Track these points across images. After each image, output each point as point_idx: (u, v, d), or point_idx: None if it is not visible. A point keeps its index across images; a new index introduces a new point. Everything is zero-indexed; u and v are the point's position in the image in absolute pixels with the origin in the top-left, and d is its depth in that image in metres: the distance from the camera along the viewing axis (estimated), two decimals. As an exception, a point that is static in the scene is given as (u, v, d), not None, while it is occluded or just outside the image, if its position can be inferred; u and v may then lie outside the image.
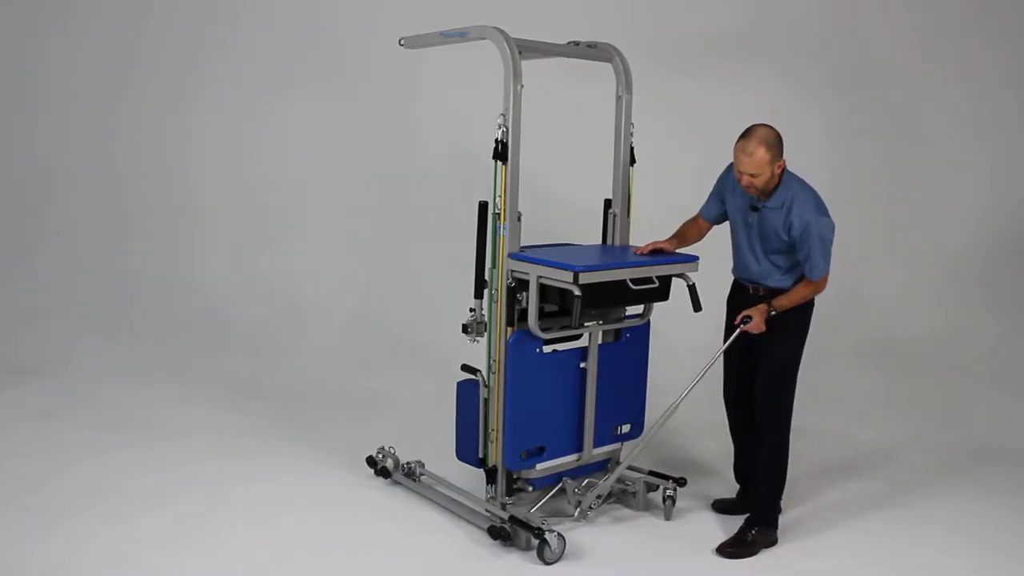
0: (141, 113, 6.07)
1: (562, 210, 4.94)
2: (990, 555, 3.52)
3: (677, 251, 3.61)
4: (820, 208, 3.35)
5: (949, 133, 5.65)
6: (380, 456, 4.00)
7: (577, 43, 3.72)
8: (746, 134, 3.32)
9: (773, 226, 3.37)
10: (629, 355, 3.72)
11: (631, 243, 3.78)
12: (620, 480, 3.75)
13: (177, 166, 6.11)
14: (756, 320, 3.39)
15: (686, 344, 4.57)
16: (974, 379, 5.31)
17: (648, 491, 3.72)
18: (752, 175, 3.29)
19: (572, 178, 4.86)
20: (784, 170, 3.37)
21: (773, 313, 3.39)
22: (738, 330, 3.42)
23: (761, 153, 3.25)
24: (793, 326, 3.47)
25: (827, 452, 4.55)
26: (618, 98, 3.72)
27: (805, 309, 3.51)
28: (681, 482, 3.70)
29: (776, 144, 3.29)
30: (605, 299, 3.43)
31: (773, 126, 3.33)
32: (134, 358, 5.56)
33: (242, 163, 6.06)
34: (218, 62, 6.00)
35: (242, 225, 6.07)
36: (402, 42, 3.80)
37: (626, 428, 3.74)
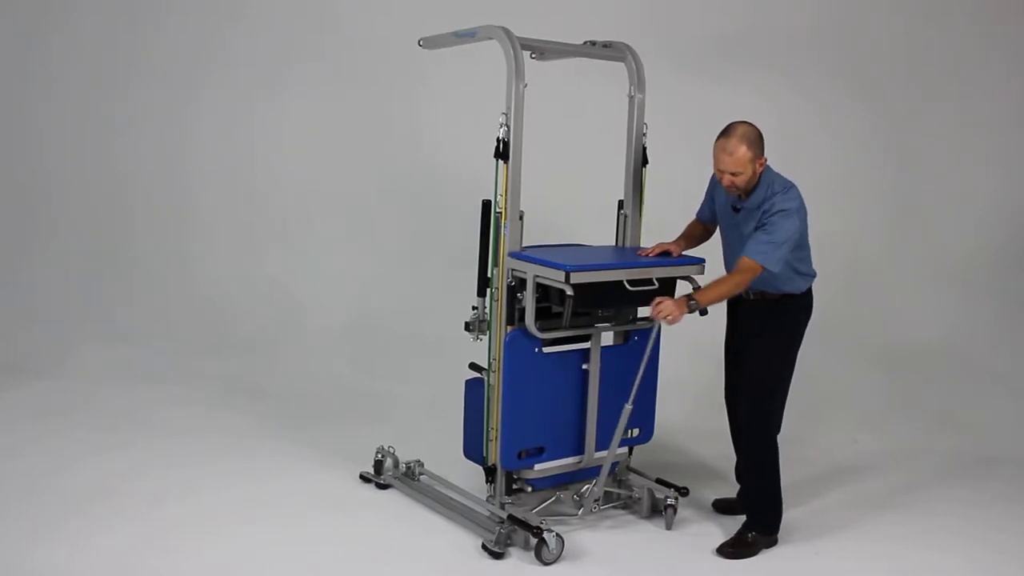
0: (141, 113, 6.07)
1: (580, 210, 4.93)
2: (991, 556, 3.52)
3: (684, 253, 3.59)
4: (800, 208, 3.28)
5: (951, 135, 5.66)
6: (380, 457, 3.99)
7: (593, 43, 3.71)
8: (726, 131, 3.26)
9: (750, 229, 3.33)
10: (637, 358, 3.69)
11: (643, 244, 3.76)
12: (626, 486, 3.75)
13: (177, 166, 6.11)
14: (670, 308, 3.15)
15: (691, 346, 4.57)
16: (976, 381, 5.31)
17: (653, 501, 3.70)
18: (733, 174, 3.24)
19: (591, 178, 4.85)
20: (765, 168, 3.31)
21: (692, 304, 3.17)
22: (656, 324, 3.28)
23: (742, 151, 3.20)
24: (780, 334, 3.43)
25: (828, 454, 4.54)
26: (630, 98, 3.70)
27: (796, 316, 3.46)
28: (683, 491, 3.68)
29: (757, 141, 3.24)
30: (600, 300, 3.42)
31: (753, 123, 3.27)
32: (134, 358, 5.55)
33: (242, 163, 6.06)
34: (218, 62, 6.00)
35: (242, 225, 6.07)
36: (421, 43, 3.80)
37: (635, 432, 3.69)
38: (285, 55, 5.95)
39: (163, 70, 6.03)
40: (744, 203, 3.35)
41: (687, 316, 3.23)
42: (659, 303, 3.21)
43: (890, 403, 5.18)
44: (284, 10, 5.94)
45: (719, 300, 3.30)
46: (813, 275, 3.49)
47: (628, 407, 3.38)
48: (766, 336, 3.43)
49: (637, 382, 3.37)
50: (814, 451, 4.50)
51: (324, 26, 5.89)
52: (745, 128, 3.24)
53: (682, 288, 3.53)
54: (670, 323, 3.21)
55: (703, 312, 3.26)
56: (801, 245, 3.35)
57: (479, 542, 3.39)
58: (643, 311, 3.73)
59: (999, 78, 5.62)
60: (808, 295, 3.50)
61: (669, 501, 3.63)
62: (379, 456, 3.99)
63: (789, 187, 3.30)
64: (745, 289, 3.42)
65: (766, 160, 3.29)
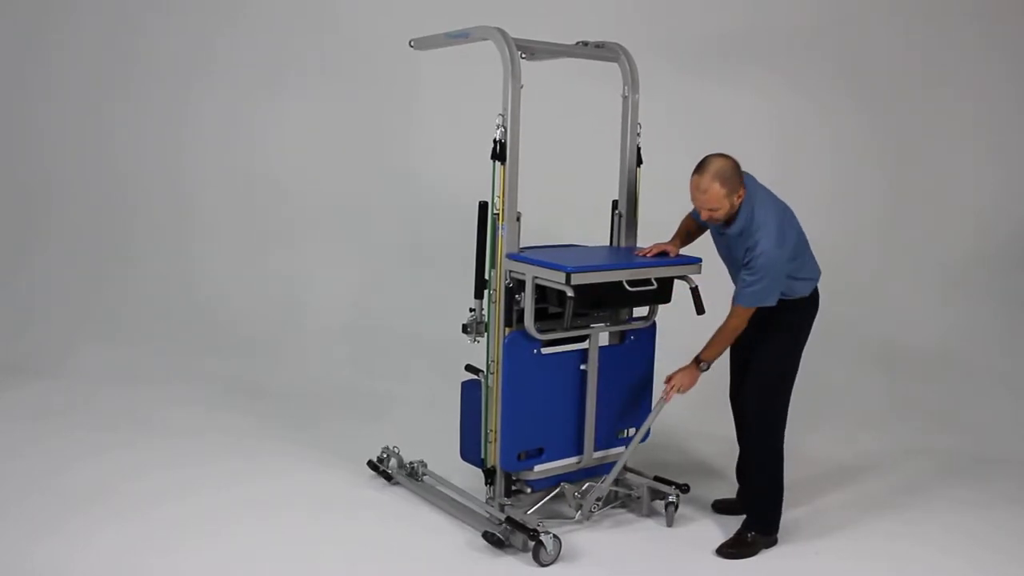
0: (140, 114, 6.08)
1: (574, 211, 4.93)
2: (991, 556, 3.51)
3: (681, 253, 3.59)
4: (780, 238, 3.23)
5: (951, 135, 5.65)
6: (384, 456, 4.01)
7: (586, 43, 3.72)
8: (699, 168, 3.23)
9: (736, 252, 3.35)
10: (634, 358, 3.71)
11: (638, 244, 3.77)
12: (625, 485, 3.76)
13: (177, 166, 6.12)
14: (681, 380, 3.41)
15: (691, 347, 4.55)
16: (976, 382, 5.30)
17: (653, 498, 3.71)
18: (710, 210, 3.25)
19: (584, 179, 4.86)
20: (746, 196, 3.27)
21: (704, 368, 3.39)
22: (663, 396, 3.44)
23: (715, 189, 3.19)
24: (785, 334, 3.42)
25: (829, 454, 4.54)
26: (624, 98, 3.71)
27: (800, 317, 3.45)
28: (684, 489, 3.68)
29: (732, 176, 3.20)
30: (600, 301, 3.42)
31: (729, 155, 3.24)
32: (134, 358, 5.56)
33: (242, 163, 6.07)
34: (218, 63, 6.01)
35: (242, 225, 6.08)
36: (412, 44, 3.80)
37: (631, 431, 3.70)
38: (285, 55, 5.95)
39: (163, 70, 6.04)
40: (727, 230, 3.35)
41: (685, 315, 3.23)
42: (670, 380, 3.43)
43: (890, 403, 5.17)
44: (284, 10, 5.95)
45: (725, 349, 3.42)
46: (815, 277, 3.48)
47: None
48: (772, 337, 3.43)
49: (651, 419, 3.54)
50: (814, 451, 4.50)
51: (324, 27, 5.89)
52: (719, 164, 3.21)
53: (680, 288, 3.54)
54: (684, 392, 3.43)
55: (701, 311, 3.42)
56: (795, 255, 3.33)
57: (480, 542, 3.39)
58: (639, 311, 3.75)
59: (999, 78, 5.61)
60: (809, 299, 3.48)
61: (670, 498, 3.64)
62: (383, 455, 4.01)
63: (766, 219, 3.24)
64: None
65: (744, 191, 3.26)
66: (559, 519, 3.58)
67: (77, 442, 4.34)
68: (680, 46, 5.59)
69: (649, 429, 3.68)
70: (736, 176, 3.23)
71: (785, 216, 3.32)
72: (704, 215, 3.29)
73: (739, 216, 3.28)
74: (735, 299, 3.31)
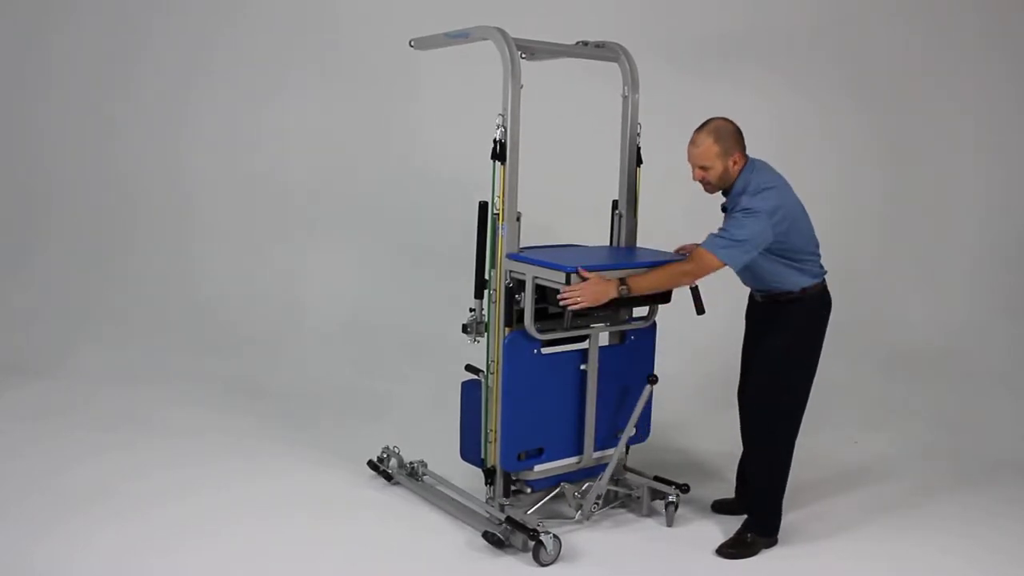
0: (140, 114, 6.08)
1: (574, 211, 4.93)
2: (991, 556, 3.51)
3: (685, 253, 3.59)
4: (772, 210, 3.15)
5: (951, 135, 5.65)
6: (384, 456, 4.01)
7: (586, 43, 3.72)
8: (700, 126, 3.27)
9: None
10: (634, 358, 3.71)
11: (638, 244, 3.77)
12: (625, 485, 3.76)
13: (177, 166, 6.12)
14: (588, 291, 3.10)
15: (692, 346, 4.56)
16: (977, 382, 5.30)
17: (653, 498, 3.71)
18: (702, 167, 3.23)
19: (584, 179, 4.86)
20: (747, 167, 3.26)
21: (623, 290, 3.14)
22: (561, 298, 3.17)
23: (708, 144, 3.19)
24: (784, 335, 3.37)
25: (829, 455, 4.54)
26: (624, 98, 3.71)
27: (806, 317, 3.38)
28: (684, 489, 3.68)
29: (729, 137, 3.20)
30: None
31: (732, 120, 3.25)
32: (134, 358, 5.56)
33: (242, 163, 6.07)
34: (218, 62, 6.01)
35: (242, 225, 6.08)
36: (412, 44, 3.81)
37: (631, 431, 3.72)
38: (285, 55, 5.95)
39: (163, 70, 6.04)
40: (727, 203, 3.35)
41: (685, 315, 3.19)
42: (571, 289, 3.12)
43: (891, 404, 5.17)
44: (284, 11, 5.95)
45: (658, 288, 3.25)
46: (814, 274, 3.41)
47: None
48: (773, 337, 3.41)
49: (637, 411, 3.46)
50: (815, 452, 4.48)
51: (324, 27, 5.90)
52: (718, 123, 3.24)
53: (680, 288, 3.53)
54: (581, 305, 3.14)
55: (700, 311, 3.26)
56: (789, 239, 3.24)
57: (480, 542, 3.39)
58: (639, 311, 3.74)
59: (999, 78, 5.62)
60: (815, 298, 3.41)
61: (670, 498, 3.64)
62: (384, 455, 4.01)
63: (765, 189, 3.19)
64: (753, 290, 3.44)
65: (744, 158, 3.26)
66: (559, 519, 3.59)
67: (77, 442, 4.34)
68: (680, 46, 5.60)
69: (650, 428, 3.68)
70: (733, 139, 3.22)
71: (786, 197, 3.25)
72: (697, 174, 3.27)
73: (736, 186, 3.27)
74: (703, 243, 3.19)
